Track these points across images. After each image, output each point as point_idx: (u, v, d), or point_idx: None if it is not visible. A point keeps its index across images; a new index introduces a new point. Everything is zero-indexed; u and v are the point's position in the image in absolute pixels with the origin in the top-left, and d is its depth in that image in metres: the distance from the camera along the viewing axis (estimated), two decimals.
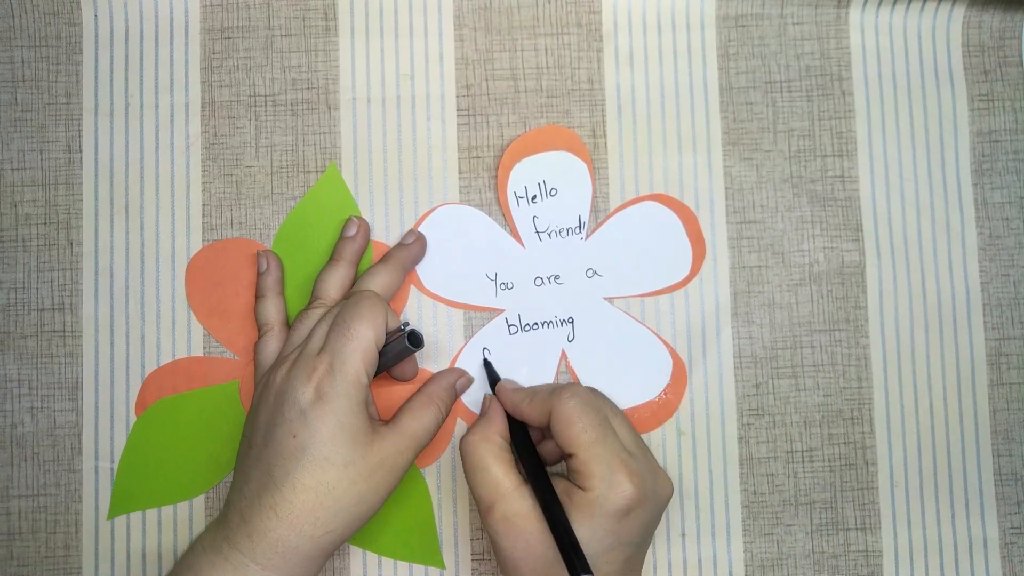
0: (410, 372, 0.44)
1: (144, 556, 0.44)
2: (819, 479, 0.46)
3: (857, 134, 0.48)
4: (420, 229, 0.46)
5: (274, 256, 0.45)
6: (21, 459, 0.45)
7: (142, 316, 0.45)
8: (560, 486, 0.38)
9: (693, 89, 0.47)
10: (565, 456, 0.39)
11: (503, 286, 0.46)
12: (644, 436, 0.45)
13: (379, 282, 0.43)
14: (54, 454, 0.45)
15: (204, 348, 0.45)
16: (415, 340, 0.41)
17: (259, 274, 0.45)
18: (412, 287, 0.46)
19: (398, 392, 0.44)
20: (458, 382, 0.44)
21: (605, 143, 0.47)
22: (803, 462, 0.46)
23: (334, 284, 0.43)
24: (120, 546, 0.45)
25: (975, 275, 0.47)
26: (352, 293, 0.42)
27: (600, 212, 0.47)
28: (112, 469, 0.45)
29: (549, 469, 0.41)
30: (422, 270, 0.46)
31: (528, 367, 0.46)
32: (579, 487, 0.38)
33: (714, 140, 0.47)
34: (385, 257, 0.44)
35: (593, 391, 0.41)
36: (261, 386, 0.41)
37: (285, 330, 0.44)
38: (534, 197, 0.46)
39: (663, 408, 0.46)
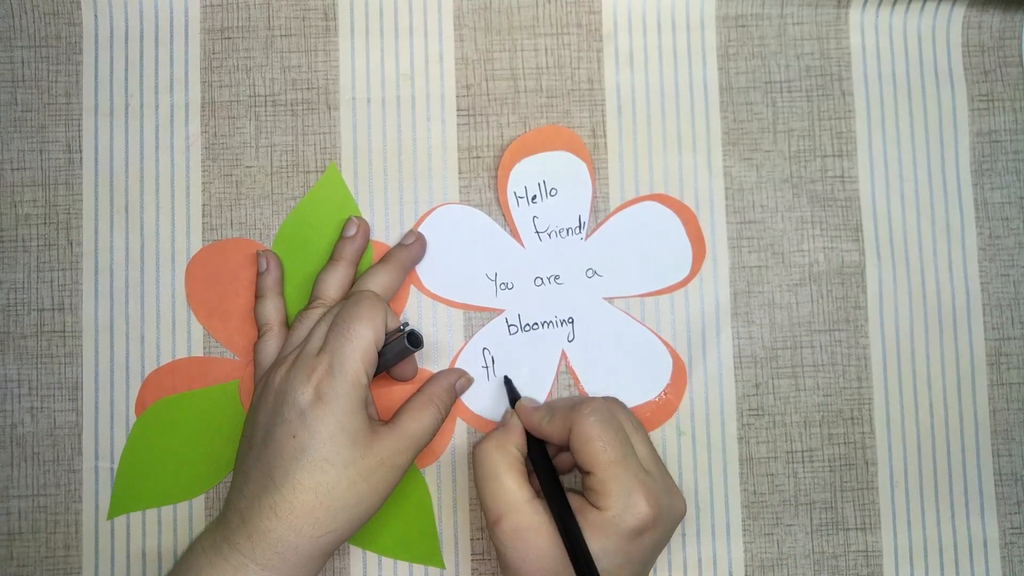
0: (410, 372, 0.44)
1: (144, 556, 0.44)
2: (819, 479, 0.46)
3: (857, 134, 0.48)
4: (420, 229, 0.46)
5: (274, 256, 0.45)
6: (21, 459, 0.45)
7: (142, 316, 0.45)
8: (574, 503, 0.38)
9: (693, 89, 0.47)
10: (582, 473, 0.39)
11: (503, 286, 0.46)
12: None
13: (379, 282, 0.43)
14: (54, 454, 0.45)
15: (204, 348, 0.45)
16: (415, 340, 0.41)
17: (259, 274, 0.45)
18: (412, 287, 0.46)
19: (398, 392, 0.44)
20: (458, 382, 0.44)
21: (605, 143, 0.47)
22: (803, 462, 0.46)
23: (334, 284, 0.43)
24: (120, 546, 0.45)
25: (975, 275, 0.47)
26: (352, 293, 0.42)
27: (600, 212, 0.47)
28: (112, 469, 0.45)
29: (560, 479, 0.40)
30: (422, 270, 0.46)
31: (528, 367, 0.46)
32: (594, 505, 0.37)
33: (714, 140, 0.47)
34: (385, 257, 0.44)
35: (612, 403, 0.40)
36: (261, 386, 0.41)
37: (285, 330, 0.44)
38: (534, 197, 0.46)
39: (663, 408, 0.46)
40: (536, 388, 0.46)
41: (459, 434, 0.45)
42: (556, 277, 0.46)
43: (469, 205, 0.46)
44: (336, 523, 0.37)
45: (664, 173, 0.47)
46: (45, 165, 0.46)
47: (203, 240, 0.46)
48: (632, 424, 0.40)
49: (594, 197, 0.47)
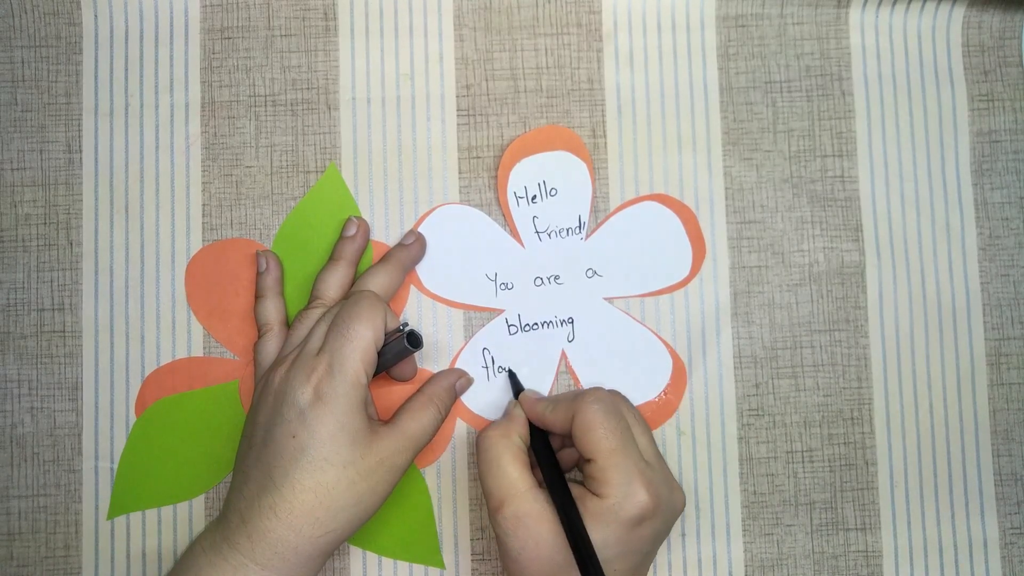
0: (409, 372, 0.44)
1: (144, 556, 0.44)
2: (819, 479, 0.46)
3: (857, 134, 0.47)
4: (420, 229, 0.46)
5: (273, 256, 0.45)
6: (21, 459, 0.45)
7: (142, 316, 0.45)
8: (574, 492, 0.38)
9: (693, 89, 0.47)
10: (582, 461, 0.39)
11: (503, 286, 0.46)
12: None
13: (378, 282, 0.43)
14: (54, 454, 0.45)
15: (204, 348, 0.45)
16: (414, 340, 0.41)
17: (259, 274, 0.45)
18: (412, 287, 0.46)
19: (397, 392, 0.44)
20: (458, 383, 0.44)
21: (605, 143, 0.47)
22: (803, 462, 0.46)
23: (333, 284, 0.43)
24: (120, 546, 0.45)
25: (975, 275, 0.47)
26: (351, 293, 0.42)
27: (600, 212, 0.47)
28: (112, 469, 0.45)
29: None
30: (422, 270, 0.46)
31: (528, 367, 0.46)
32: (594, 493, 0.38)
33: (714, 140, 0.47)
34: (385, 257, 0.44)
35: (615, 395, 0.41)
36: (260, 386, 0.41)
37: (285, 330, 0.44)
38: (534, 197, 0.46)
39: (663, 408, 0.46)
40: (536, 388, 0.46)
41: (459, 434, 0.45)
42: (556, 277, 0.46)
43: (469, 205, 0.46)
44: (336, 523, 0.37)
45: (664, 173, 0.47)
46: (45, 165, 0.46)
47: (203, 240, 0.46)
48: (634, 416, 0.40)
49: (594, 197, 0.47)
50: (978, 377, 0.47)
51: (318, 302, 0.43)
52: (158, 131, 0.46)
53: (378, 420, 0.41)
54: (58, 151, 0.46)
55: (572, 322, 0.46)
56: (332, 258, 0.44)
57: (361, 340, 0.39)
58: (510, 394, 0.45)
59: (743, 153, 0.47)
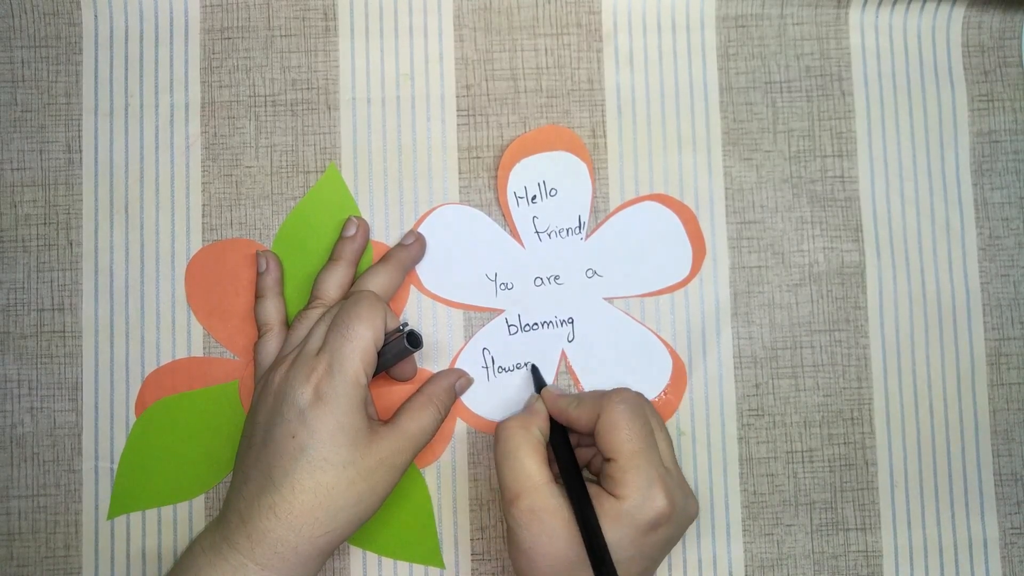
0: (409, 372, 0.44)
1: (144, 556, 0.44)
2: (819, 479, 0.46)
3: (857, 134, 0.47)
4: (420, 229, 0.46)
5: (273, 256, 0.45)
6: (21, 459, 0.45)
7: (142, 316, 0.45)
8: (591, 490, 0.38)
9: (693, 89, 0.47)
10: (602, 461, 0.39)
11: (503, 286, 0.46)
12: None
13: (378, 282, 0.43)
14: (54, 454, 0.45)
15: (204, 348, 0.45)
16: (414, 341, 0.41)
17: (259, 274, 0.45)
18: (412, 287, 0.46)
19: (397, 392, 0.44)
20: (457, 383, 0.44)
21: (605, 143, 0.47)
22: (803, 462, 0.46)
23: (333, 284, 0.43)
24: (120, 546, 0.45)
25: (975, 275, 0.47)
26: (351, 293, 0.42)
27: (600, 212, 0.47)
28: (112, 469, 0.45)
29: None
30: (422, 270, 0.46)
31: (528, 367, 0.46)
32: (611, 494, 0.37)
33: (714, 140, 0.47)
34: (385, 257, 0.44)
35: (641, 398, 0.40)
36: (260, 386, 0.41)
37: (285, 330, 0.44)
38: (534, 197, 0.46)
39: (663, 408, 0.46)
40: (536, 388, 0.46)
41: (459, 434, 0.45)
42: (556, 277, 0.46)
43: (469, 205, 0.46)
44: (336, 523, 0.37)
45: (664, 173, 0.47)
46: (45, 165, 0.46)
47: (203, 240, 0.46)
48: (657, 421, 0.40)
49: (594, 197, 0.47)
50: (978, 377, 0.47)
51: (318, 302, 0.43)
52: (158, 131, 0.46)
53: (378, 420, 0.41)
54: (58, 151, 0.46)
55: (572, 322, 0.46)
56: (332, 258, 0.44)
57: (361, 340, 0.39)
58: (525, 390, 0.45)
59: (743, 153, 0.47)
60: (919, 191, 0.47)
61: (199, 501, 0.45)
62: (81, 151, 0.46)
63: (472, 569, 0.45)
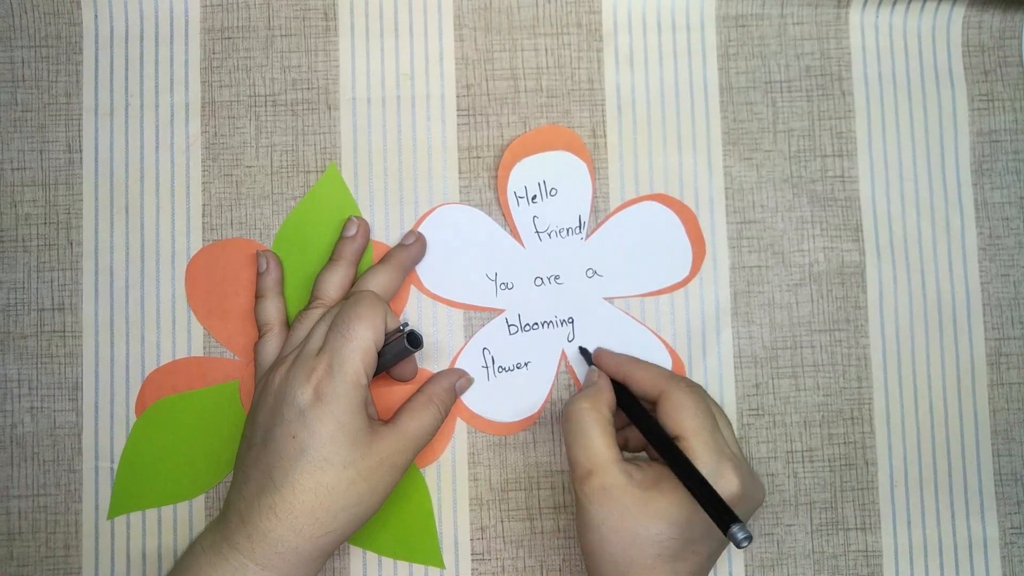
0: (409, 372, 0.44)
1: (144, 556, 0.44)
2: (819, 479, 0.46)
3: (857, 134, 0.48)
4: (420, 229, 0.46)
5: (274, 256, 0.45)
6: (21, 459, 0.45)
7: (142, 316, 0.45)
8: (660, 471, 0.38)
9: (693, 89, 0.47)
10: (664, 440, 0.39)
11: (503, 286, 0.46)
12: None
13: (379, 282, 0.43)
14: (54, 454, 0.45)
15: (204, 348, 0.45)
16: (414, 341, 0.41)
17: (259, 274, 0.45)
18: (412, 287, 0.46)
19: (397, 392, 0.44)
20: (458, 383, 0.44)
21: (605, 143, 0.47)
22: (803, 462, 0.46)
23: (334, 284, 0.43)
24: (120, 546, 0.45)
25: (975, 275, 0.47)
26: (351, 293, 0.42)
27: (600, 212, 0.47)
28: (112, 469, 0.45)
29: (627, 455, 0.40)
30: (422, 270, 0.46)
31: (528, 367, 0.46)
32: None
33: (714, 140, 0.47)
34: (385, 257, 0.44)
35: (703, 388, 0.41)
36: (261, 386, 0.41)
37: (285, 330, 0.44)
38: (534, 197, 0.46)
39: None
40: (536, 388, 0.46)
41: (459, 434, 0.45)
42: (556, 277, 0.46)
43: (469, 205, 0.46)
44: (336, 523, 0.37)
45: (664, 173, 0.47)
46: (45, 165, 0.46)
47: (203, 240, 0.46)
48: (718, 409, 0.41)
49: (594, 197, 0.47)
50: (978, 377, 0.47)
51: (318, 302, 0.43)
52: (158, 131, 0.46)
53: (378, 420, 0.41)
54: (58, 151, 0.46)
55: (572, 322, 0.46)
56: (332, 258, 0.44)
57: (361, 340, 0.39)
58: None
59: (743, 153, 0.47)
60: (919, 191, 0.47)
61: (199, 501, 0.45)
62: (81, 151, 0.46)
63: (472, 569, 0.45)
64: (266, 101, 0.47)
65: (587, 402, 0.40)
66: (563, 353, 0.46)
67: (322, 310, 0.42)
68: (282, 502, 0.36)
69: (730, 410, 0.46)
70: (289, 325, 0.44)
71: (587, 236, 0.46)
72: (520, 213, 0.46)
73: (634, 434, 0.43)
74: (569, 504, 0.45)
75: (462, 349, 0.46)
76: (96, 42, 0.46)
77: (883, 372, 0.47)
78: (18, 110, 0.46)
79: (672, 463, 0.37)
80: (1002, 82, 0.48)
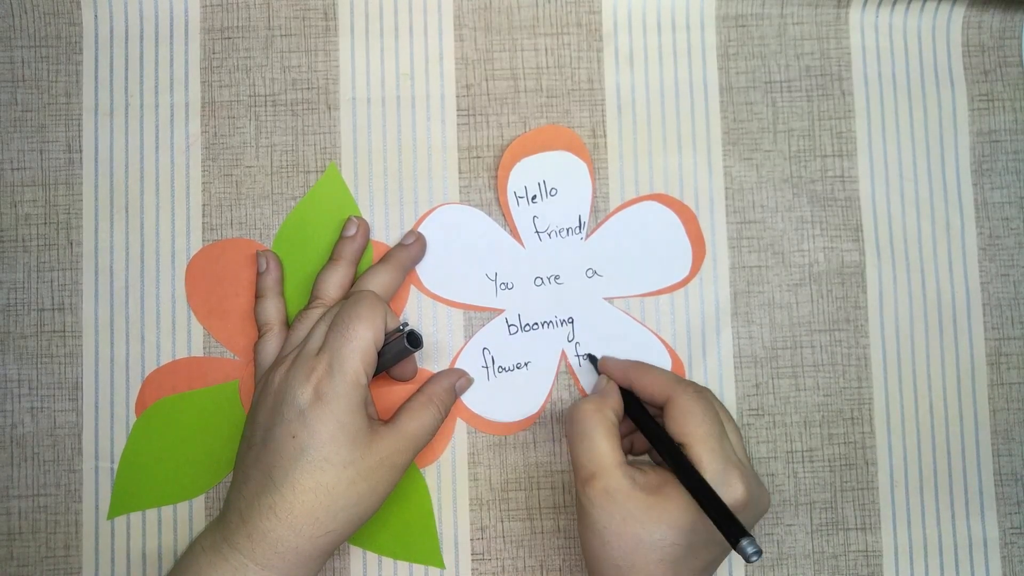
0: (409, 372, 0.44)
1: (144, 556, 0.44)
2: (819, 479, 0.46)
3: (857, 134, 0.48)
4: (420, 229, 0.46)
5: (274, 256, 0.45)
6: (21, 459, 0.45)
7: (142, 316, 0.45)
8: (664, 475, 0.38)
9: (693, 89, 0.47)
10: (670, 447, 0.39)
11: (503, 286, 0.46)
12: None
13: (378, 282, 0.43)
14: (54, 454, 0.45)
15: (204, 348, 0.45)
16: (414, 341, 0.41)
17: (259, 274, 0.45)
18: (412, 287, 0.46)
19: (397, 392, 0.44)
20: (458, 383, 0.44)
21: (605, 143, 0.47)
22: (803, 462, 0.46)
23: (334, 284, 0.43)
24: (120, 546, 0.45)
25: (975, 275, 0.47)
26: (351, 293, 0.42)
27: (600, 212, 0.47)
28: (112, 469, 0.45)
29: (632, 459, 0.40)
30: (422, 270, 0.46)
31: (528, 367, 0.46)
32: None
33: (714, 140, 0.47)
34: (385, 257, 0.44)
35: (711, 392, 0.41)
36: (260, 386, 0.41)
37: (285, 330, 0.44)
38: (534, 197, 0.46)
39: None
40: (536, 388, 0.46)
41: (459, 434, 0.45)
42: (556, 277, 0.46)
43: (469, 205, 0.46)
44: (336, 523, 0.37)
45: (664, 173, 0.47)
46: (45, 165, 0.46)
47: (203, 240, 0.46)
48: (726, 415, 0.40)
49: (594, 197, 0.47)
50: (978, 377, 0.47)
51: (318, 302, 0.43)
52: (158, 131, 0.46)
53: (378, 420, 0.41)
54: (58, 151, 0.46)
55: (572, 322, 0.46)
56: (332, 258, 0.44)
57: (361, 340, 0.39)
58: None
59: (743, 153, 0.47)
60: (919, 191, 0.47)
61: (199, 501, 0.45)
62: (81, 151, 0.46)
63: (472, 569, 0.45)
64: (266, 101, 0.47)
65: (592, 404, 0.40)
66: (563, 353, 0.46)
67: (322, 310, 0.42)
68: (282, 502, 0.36)
69: (730, 410, 0.46)
70: (289, 325, 0.44)
71: (587, 236, 0.46)
72: (520, 213, 0.46)
73: (640, 440, 0.43)
74: (569, 504, 0.45)
75: (462, 349, 0.46)
76: (96, 42, 0.46)
77: (883, 372, 0.47)
78: (18, 110, 0.46)
79: (678, 472, 0.37)
80: (1002, 82, 0.48)
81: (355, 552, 0.45)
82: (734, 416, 0.46)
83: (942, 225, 0.47)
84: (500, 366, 0.46)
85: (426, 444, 0.41)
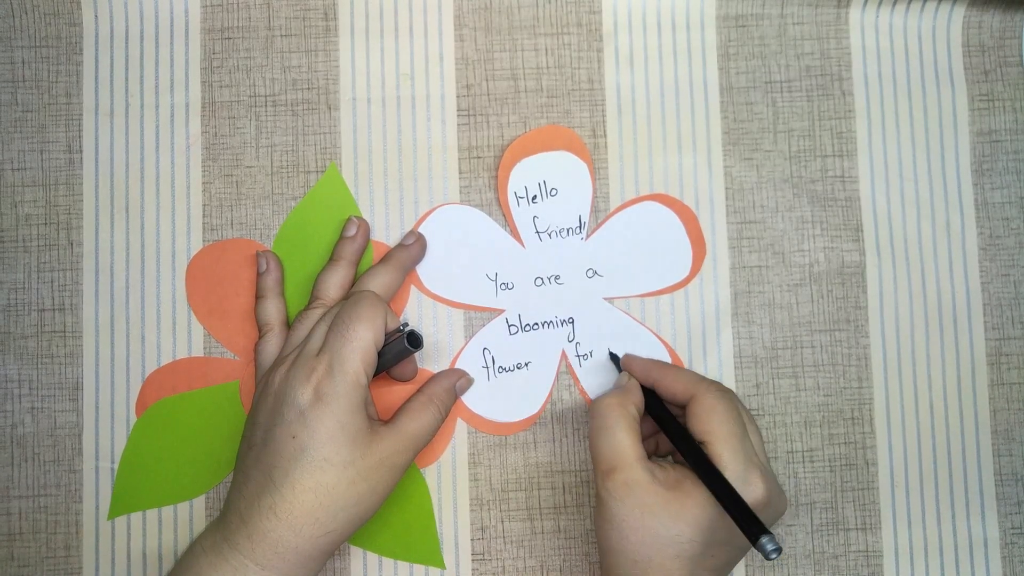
0: (410, 372, 0.44)
1: (144, 556, 0.44)
2: (819, 479, 0.46)
3: (857, 134, 0.48)
4: (420, 229, 0.46)
5: (274, 256, 0.45)
6: (21, 459, 0.45)
7: (142, 316, 0.45)
8: (684, 472, 0.38)
9: (693, 89, 0.47)
10: (691, 446, 0.39)
11: (503, 286, 0.46)
12: None
13: (379, 282, 0.43)
14: (54, 454, 0.45)
15: (204, 348, 0.45)
16: (414, 341, 0.41)
17: (259, 274, 0.45)
18: (412, 287, 0.46)
19: (398, 392, 0.44)
20: (458, 383, 0.44)
21: (605, 143, 0.47)
22: (803, 462, 0.46)
23: (334, 284, 0.43)
24: (120, 546, 0.45)
25: (975, 275, 0.47)
26: (352, 293, 0.42)
27: (600, 212, 0.47)
28: (112, 469, 0.45)
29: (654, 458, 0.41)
30: (422, 270, 0.46)
31: (528, 367, 0.46)
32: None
33: (714, 140, 0.47)
34: (385, 257, 0.44)
35: (734, 393, 0.41)
36: (261, 386, 0.41)
37: (285, 330, 0.44)
38: (534, 197, 0.46)
39: None
40: (536, 388, 0.46)
41: (459, 434, 0.45)
42: (556, 277, 0.46)
43: (469, 205, 0.46)
44: (336, 523, 0.37)
45: (664, 173, 0.47)
46: (45, 165, 0.46)
47: (203, 240, 0.46)
48: (748, 416, 0.41)
49: (594, 197, 0.47)
50: (978, 377, 0.47)
51: (318, 302, 0.43)
52: (158, 131, 0.46)
53: (378, 420, 0.41)
54: (58, 151, 0.46)
55: (572, 322, 0.46)
56: (332, 258, 0.44)
57: (361, 340, 0.39)
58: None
59: (743, 153, 0.47)
60: (919, 191, 0.47)
61: (199, 501, 0.45)
62: (81, 151, 0.46)
63: (472, 569, 0.45)
64: (266, 101, 0.47)
65: (615, 398, 0.40)
66: (563, 353, 0.46)
67: (322, 310, 0.42)
68: (282, 502, 0.36)
69: None
70: (289, 325, 0.44)
71: (587, 236, 0.46)
72: (520, 213, 0.46)
73: (664, 441, 0.43)
74: (570, 504, 0.45)
75: (462, 349, 0.46)
76: (96, 42, 0.46)
77: (883, 372, 0.47)
78: (18, 110, 0.46)
79: (699, 469, 0.37)
80: (1002, 82, 0.48)
81: (355, 552, 0.45)
82: None
83: (942, 225, 0.47)
84: (500, 366, 0.46)
85: (426, 444, 0.41)
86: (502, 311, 0.46)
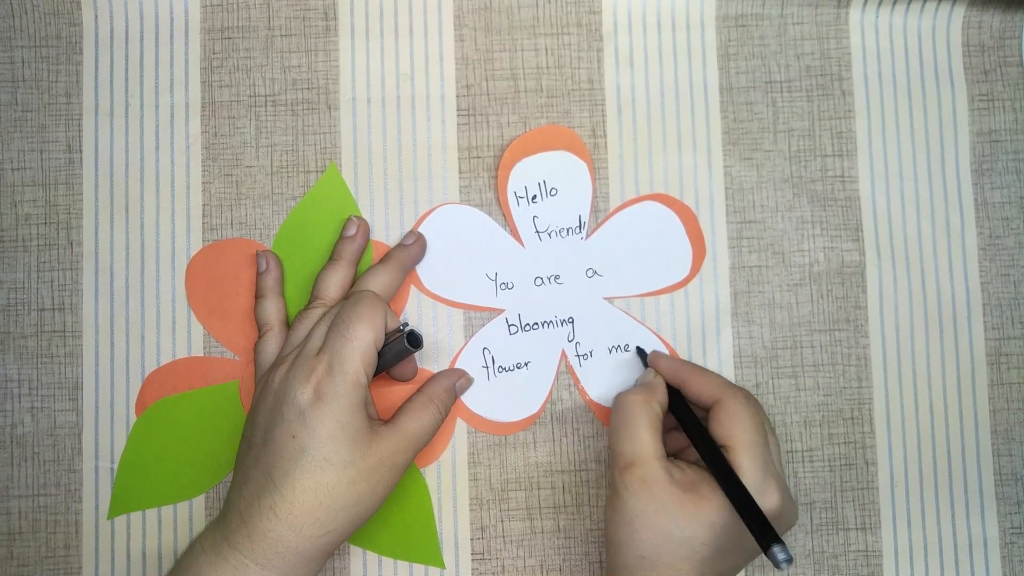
0: (409, 372, 0.44)
1: (144, 556, 0.44)
2: (819, 479, 0.46)
3: (857, 134, 0.48)
4: (420, 229, 0.46)
5: (274, 256, 0.45)
6: (21, 459, 0.45)
7: (142, 316, 0.45)
8: (702, 474, 0.38)
9: (693, 89, 0.47)
10: (712, 449, 0.39)
11: (503, 286, 0.46)
12: None
13: (379, 282, 0.43)
14: (54, 454, 0.45)
15: (204, 348, 0.45)
16: (414, 341, 0.41)
17: (259, 274, 0.45)
18: (412, 287, 0.46)
19: (398, 392, 0.44)
20: (458, 383, 0.44)
21: (605, 143, 0.47)
22: (803, 462, 0.46)
23: (334, 284, 0.43)
24: (120, 546, 0.45)
25: (975, 275, 0.47)
26: (351, 293, 0.42)
27: (600, 212, 0.47)
28: (112, 469, 0.45)
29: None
30: (422, 270, 0.46)
31: (528, 367, 0.46)
32: None
33: (714, 140, 0.47)
34: (385, 257, 0.44)
35: (758, 402, 0.41)
36: (261, 386, 0.41)
37: (285, 330, 0.44)
38: (534, 197, 0.46)
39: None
40: (536, 388, 0.46)
41: (459, 434, 0.45)
42: (556, 277, 0.46)
43: (469, 205, 0.46)
44: (336, 523, 0.37)
45: (664, 173, 0.47)
46: (45, 165, 0.46)
47: (203, 240, 0.46)
48: (770, 427, 0.41)
49: (594, 197, 0.47)
50: (978, 377, 0.47)
51: (318, 302, 0.43)
52: (158, 131, 0.46)
53: (378, 420, 0.41)
54: (58, 151, 0.46)
55: (572, 322, 0.46)
56: (332, 258, 0.44)
57: (361, 340, 0.39)
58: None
59: (743, 153, 0.47)
60: (919, 191, 0.47)
61: (199, 501, 0.45)
62: (81, 151, 0.46)
63: (472, 569, 0.45)
64: (266, 101, 0.47)
65: (640, 395, 0.40)
66: (563, 353, 0.46)
67: (322, 310, 0.42)
68: (282, 502, 0.36)
69: None
70: (289, 325, 0.44)
71: (587, 236, 0.46)
72: (520, 213, 0.46)
73: (673, 440, 0.43)
74: (569, 504, 0.45)
75: (462, 349, 0.46)
76: (96, 42, 0.46)
77: (883, 372, 0.47)
78: (18, 110, 0.46)
79: (717, 473, 0.37)
80: (1002, 82, 0.48)
81: (355, 552, 0.45)
82: None
83: (942, 225, 0.47)
84: (500, 366, 0.46)
85: (426, 444, 0.41)
86: (502, 311, 0.46)
